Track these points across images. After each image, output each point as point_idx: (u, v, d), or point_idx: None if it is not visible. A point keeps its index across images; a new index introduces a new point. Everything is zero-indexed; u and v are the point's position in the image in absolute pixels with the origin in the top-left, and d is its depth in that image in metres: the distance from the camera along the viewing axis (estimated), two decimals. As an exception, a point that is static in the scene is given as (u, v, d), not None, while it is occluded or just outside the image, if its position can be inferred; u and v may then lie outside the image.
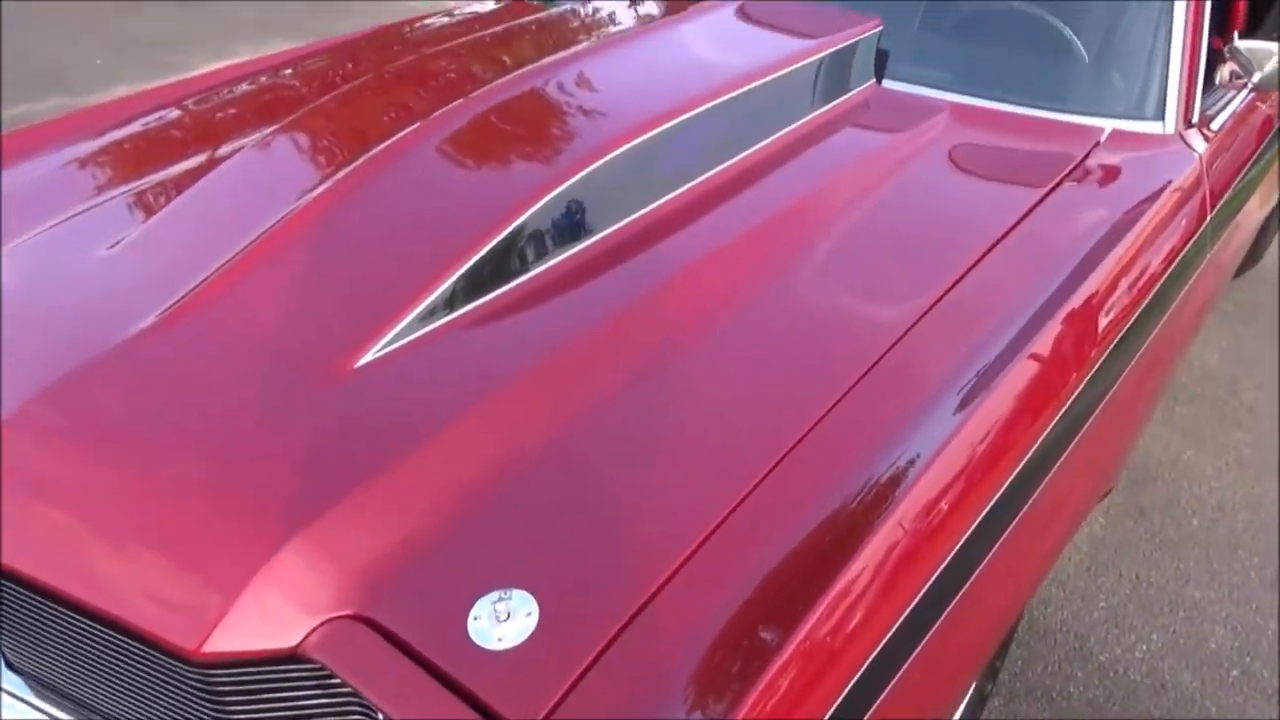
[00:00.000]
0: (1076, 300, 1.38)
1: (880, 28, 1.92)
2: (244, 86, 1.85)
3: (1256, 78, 2.08)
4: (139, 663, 0.96)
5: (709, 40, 1.85)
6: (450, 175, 1.42)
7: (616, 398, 1.12)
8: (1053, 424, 1.28)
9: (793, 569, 0.94)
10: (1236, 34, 2.26)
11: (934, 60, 1.99)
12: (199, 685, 0.92)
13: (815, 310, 1.29)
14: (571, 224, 1.36)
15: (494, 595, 0.89)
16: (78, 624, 0.98)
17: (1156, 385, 1.92)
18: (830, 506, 1.00)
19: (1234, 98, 2.13)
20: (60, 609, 0.98)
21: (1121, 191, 1.68)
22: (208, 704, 0.93)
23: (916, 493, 1.04)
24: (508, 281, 1.26)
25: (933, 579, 1.04)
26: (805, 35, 1.85)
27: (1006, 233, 1.48)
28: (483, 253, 1.25)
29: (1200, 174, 1.84)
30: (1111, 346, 1.44)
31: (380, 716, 0.85)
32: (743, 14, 1.96)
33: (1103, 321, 1.43)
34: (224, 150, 1.56)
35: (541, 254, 1.31)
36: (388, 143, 1.43)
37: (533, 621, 0.87)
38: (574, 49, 1.77)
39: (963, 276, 1.37)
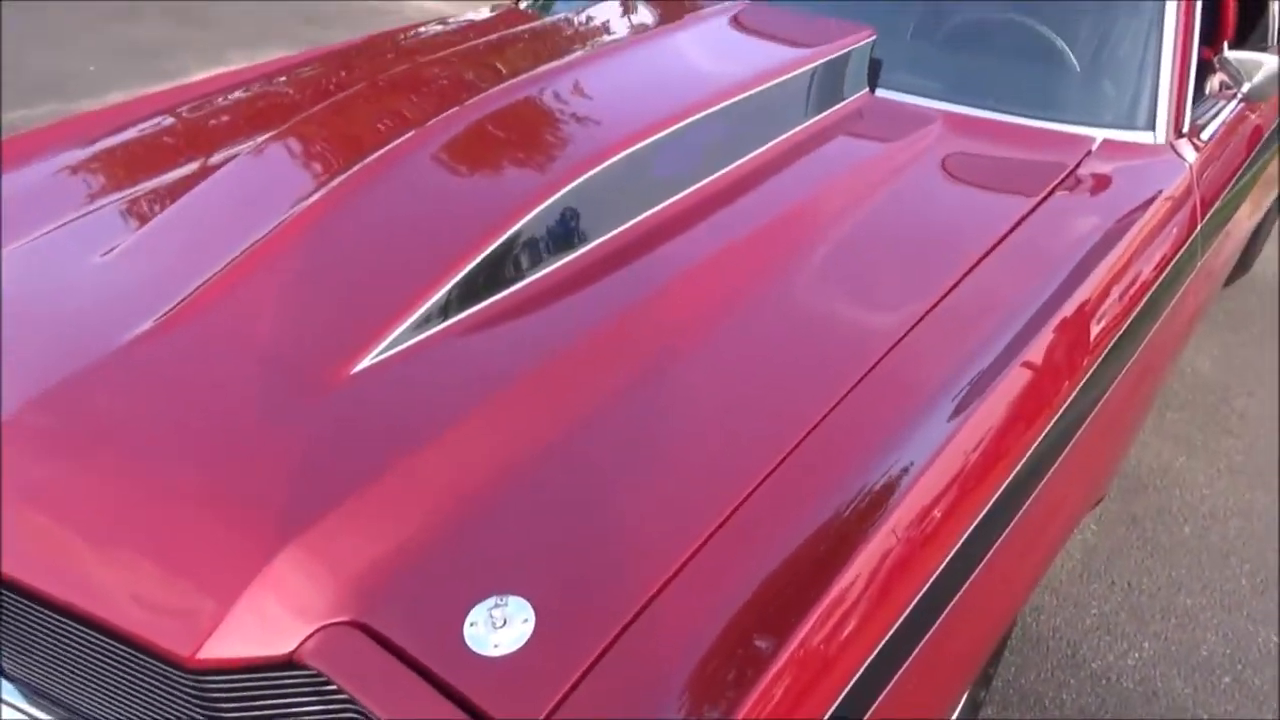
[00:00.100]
0: (1069, 308, 1.39)
1: (873, 37, 1.93)
2: (239, 93, 1.85)
3: (1246, 88, 2.09)
4: (133, 669, 0.95)
5: (704, 49, 1.86)
6: (445, 183, 1.43)
7: (612, 404, 1.12)
8: (1046, 431, 1.28)
9: (789, 575, 0.94)
10: (1226, 44, 2.28)
11: (927, 70, 2.00)
12: (193, 692, 0.92)
13: (811, 316, 1.30)
14: (567, 231, 1.36)
15: (490, 601, 0.89)
16: (71, 630, 0.97)
17: (1148, 393, 1.93)
18: (826, 513, 1.01)
19: (1224, 108, 2.15)
20: (53, 615, 0.97)
21: (1113, 200, 1.69)
22: (202, 710, 0.93)
23: (911, 500, 1.05)
24: (504, 288, 1.26)
25: (927, 586, 1.05)
26: (799, 44, 1.86)
27: (999, 241, 1.48)
28: (479, 259, 1.25)
29: (1191, 183, 1.85)
30: (1104, 354, 1.45)
31: (375, 723, 0.85)
32: (737, 23, 1.97)
33: (1095, 329, 1.44)
34: (219, 157, 1.56)
35: (537, 261, 1.31)
36: (383, 150, 1.43)
37: (529, 628, 0.87)
38: (569, 57, 1.77)
39: (957, 284, 1.37)
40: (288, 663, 0.89)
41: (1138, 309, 1.56)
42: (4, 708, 1.04)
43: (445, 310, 1.21)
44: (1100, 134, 1.84)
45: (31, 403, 1.07)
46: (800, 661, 0.88)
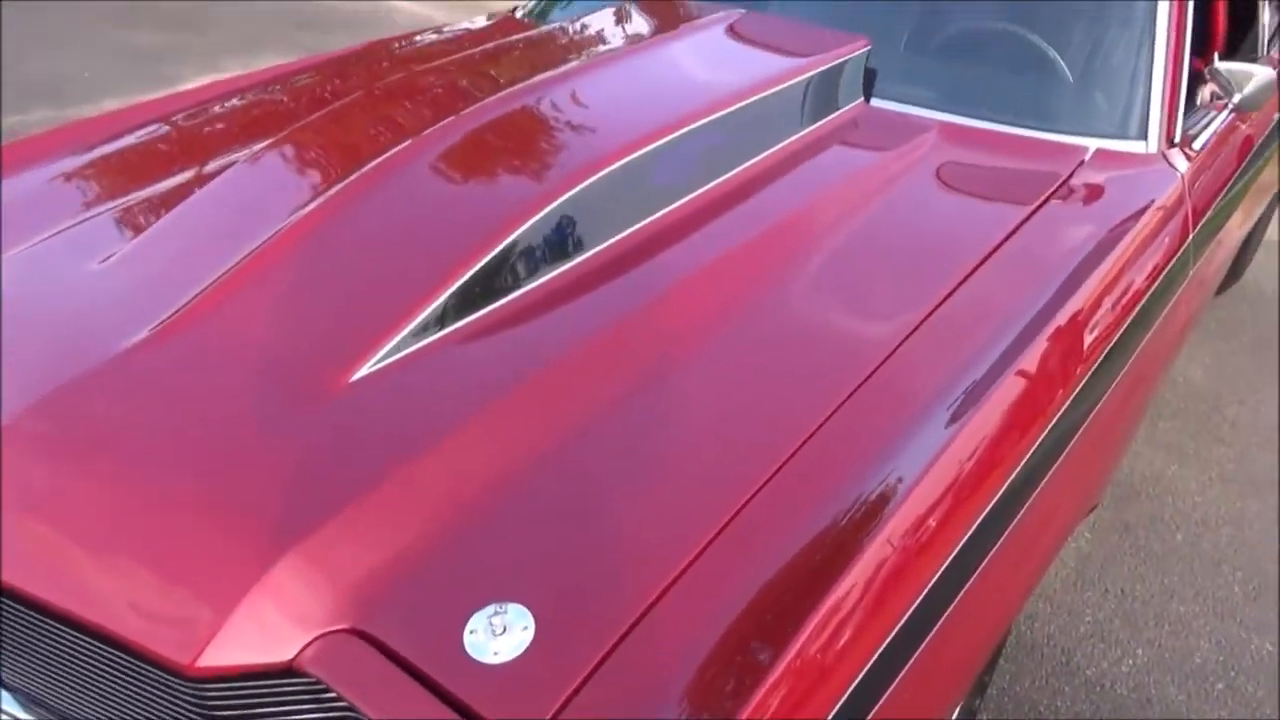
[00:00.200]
0: (1063, 317, 1.40)
1: (868, 47, 1.94)
2: (237, 101, 1.85)
3: (1237, 99, 2.11)
4: (132, 677, 0.95)
5: (700, 59, 1.87)
6: (443, 192, 1.43)
7: (609, 412, 1.12)
8: (1040, 440, 1.29)
9: (786, 584, 0.94)
10: (1216, 55, 2.30)
11: (922, 80, 2.01)
12: (193, 699, 0.92)
13: (806, 324, 1.30)
14: (564, 240, 1.37)
15: (490, 609, 0.90)
16: (69, 638, 0.97)
17: (1141, 401, 1.94)
18: (823, 521, 1.01)
19: (1215, 118, 2.17)
20: (51, 623, 0.97)
21: (1106, 209, 1.70)
22: (201, 718, 0.93)
23: (907, 508, 1.05)
24: (502, 297, 1.27)
25: (923, 594, 1.05)
26: (795, 54, 1.87)
27: (994, 250, 1.49)
28: (476, 268, 1.26)
29: (1183, 193, 1.86)
30: (1097, 363, 1.46)
31: (375, 730, 0.85)
32: (733, 32, 1.98)
33: (1089, 338, 1.45)
34: (217, 165, 1.56)
35: (534, 270, 1.32)
36: (380, 159, 1.44)
37: (529, 635, 0.88)
38: (565, 67, 1.78)
39: (951, 293, 1.38)
40: (287, 670, 0.89)
41: (1131, 318, 1.57)
42: (3, 717, 1.04)
43: (443, 319, 1.21)
44: (1093, 144, 1.85)
45: (30, 409, 1.07)
46: (798, 670, 0.89)
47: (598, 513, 1.00)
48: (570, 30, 2.06)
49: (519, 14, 2.45)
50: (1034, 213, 1.61)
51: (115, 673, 0.96)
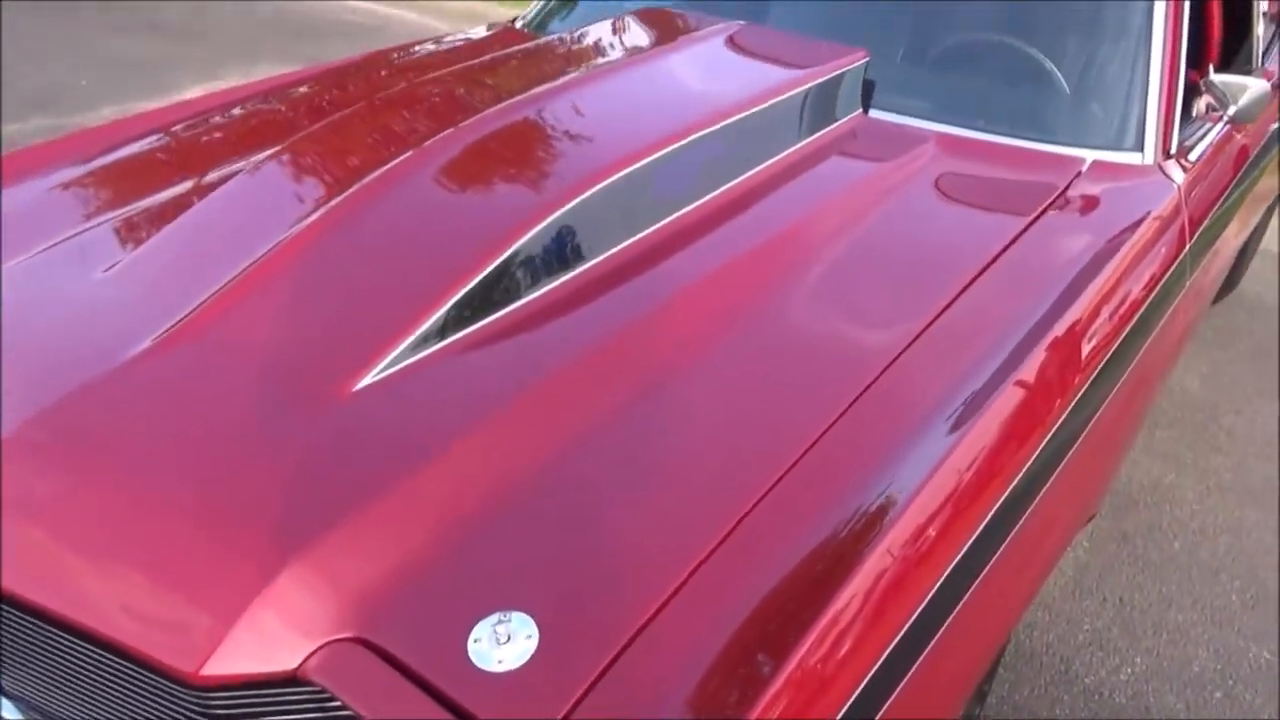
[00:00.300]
0: (1061, 328, 1.41)
1: (866, 59, 1.96)
2: (237, 111, 1.86)
3: (1232, 110, 2.12)
4: (135, 686, 0.95)
5: (699, 70, 1.88)
6: (444, 202, 1.44)
7: (612, 421, 1.13)
8: (1039, 449, 1.30)
9: (788, 593, 0.95)
10: (1211, 67, 2.31)
11: (920, 91, 2.02)
12: (197, 708, 0.92)
13: (807, 334, 1.31)
14: (565, 250, 1.37)
15: (494, 617, 0.90)
16: (72, 646, 0.97)
17: (1139, 411, 1.95)
18: (825, 530, 1.02)
19: (1211, 129, 2.18)
20: (53, 631, 0.97)
21: (1103, 220, 1.71)
22: (205, 728, 0.93)
23: (907, 517, 1.06)
24: (504, 307, 1.27)
25: (923, 604, 1.05)
26: (793, 66, 1.88)
27: (992, 260, 1.50)
28: (478, 278, 1.26)
29: (1179, 203, 1.87)
30: (1095, 373, 1.46)
31: (379, 739, 0.85)
32: (732, 44, 1.99)
33: (1086, 348, 1.45)
34: (218, 175, 1.57)
35: (536, 280, 1.32)
36: (381, 170, 1.44)
37: (533, 644, 0.88)
38: (565, 78, 1.79)
39: (950, 303, 1.39)
40: (292, 679, 0.89)
41: (1128, 328, 1.58)
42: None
43: (445, 329, 1.22)
44: (1090, 155, 1.87)
45: (33, 419, 1.07)
46: (801, 679, 0.89)
47: (600, 521, 1.00)
48: (570, 41, 2.07)
49: (519, 24, 2.46)
50: (1032, 224, 1.62)
51: (117, 681, 0.96)
